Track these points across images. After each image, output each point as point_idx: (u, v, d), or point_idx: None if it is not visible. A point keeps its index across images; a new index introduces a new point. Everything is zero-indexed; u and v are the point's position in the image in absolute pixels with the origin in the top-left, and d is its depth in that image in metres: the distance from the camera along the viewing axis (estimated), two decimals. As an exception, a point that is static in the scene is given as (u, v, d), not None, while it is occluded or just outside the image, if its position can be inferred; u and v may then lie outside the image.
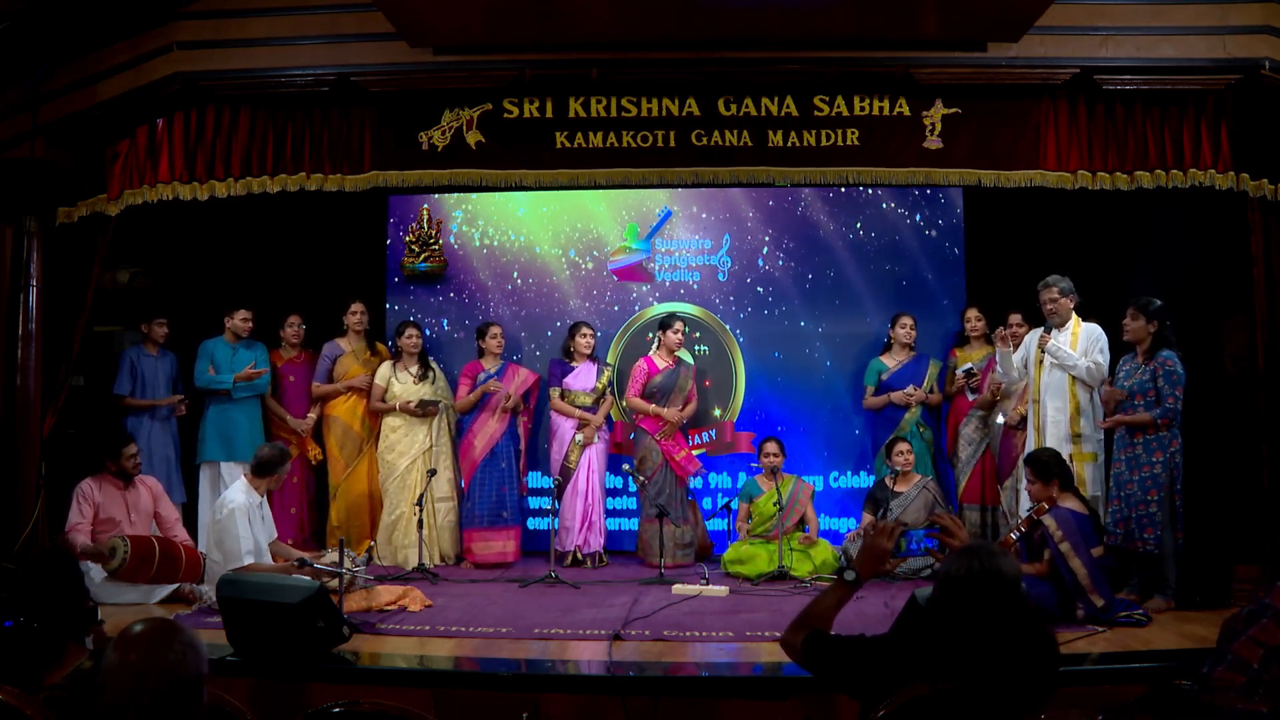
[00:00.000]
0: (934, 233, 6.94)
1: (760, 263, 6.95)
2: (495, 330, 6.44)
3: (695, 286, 6.97)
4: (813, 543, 5.91)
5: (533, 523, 6.83)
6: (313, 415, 6.47)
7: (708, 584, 5.35)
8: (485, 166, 5.68)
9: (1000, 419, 6.04)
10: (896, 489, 5.98)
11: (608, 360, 6.77)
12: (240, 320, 6.30)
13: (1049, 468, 4.78)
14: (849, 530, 6.59)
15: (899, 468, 5.98)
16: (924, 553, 5.36)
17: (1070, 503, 4.73)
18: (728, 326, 6.94)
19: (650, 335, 6.72)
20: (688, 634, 4.40)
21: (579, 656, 4.16)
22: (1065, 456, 4.97)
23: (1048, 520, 4.64)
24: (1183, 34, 5.41)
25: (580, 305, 6.95)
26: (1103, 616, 4.47)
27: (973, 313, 6.38)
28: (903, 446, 6.00)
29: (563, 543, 6.20)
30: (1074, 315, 5.29)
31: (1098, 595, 4.52)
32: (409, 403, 6.23)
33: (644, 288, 7.00)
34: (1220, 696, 2.05)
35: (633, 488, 6.65)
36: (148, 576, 4.96)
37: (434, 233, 6.83)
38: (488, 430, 6.33)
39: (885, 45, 5.50)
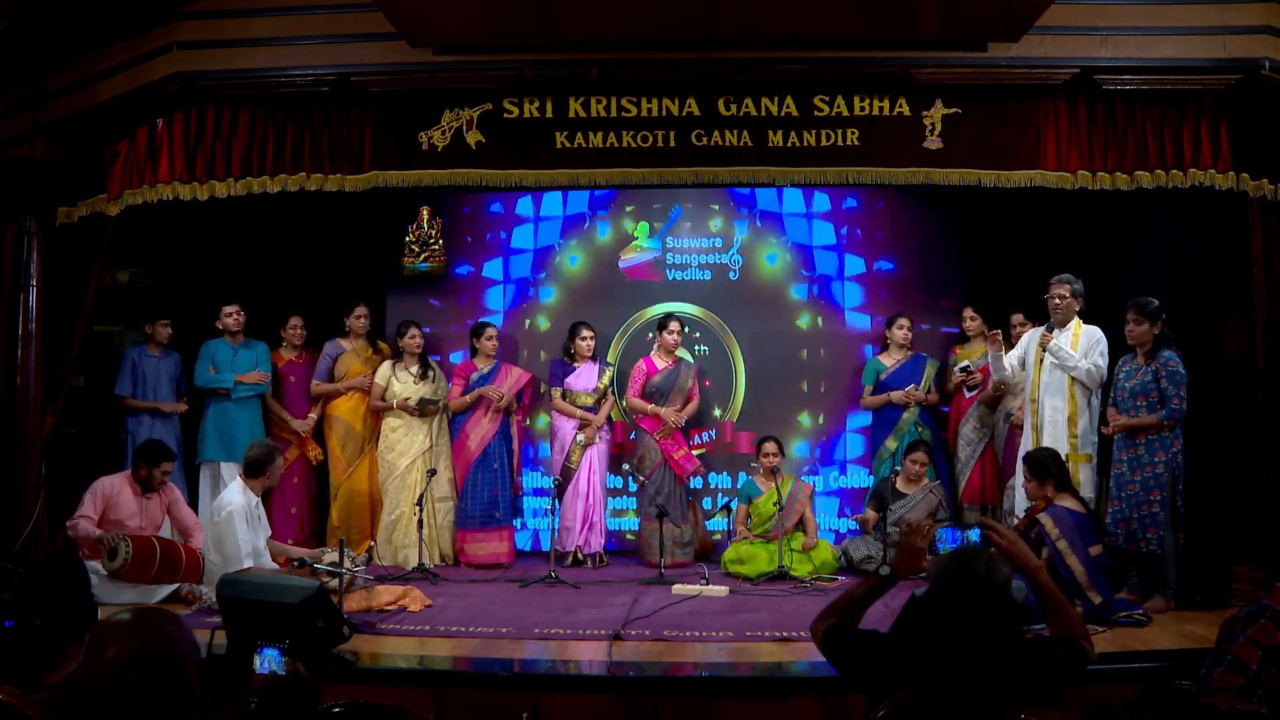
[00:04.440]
0: (934, 232, 6.96)
1: (768, 262, 6.98)
2: (491, 331, 6.44)
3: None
4: (814, 546, 5.92)
5: (531, 523, 6.84)
6: (313, 415, 6.47)
7: (708, 584, 5.35)
8: (485, 166, 5.67)
9: (1005, 418, 6.04)
10: (901, 489, 5.98)
11: (608, 360, 6.78)
12: (229, 318, 6.28)
13: (1045, 467, 4.78)
14: (848, 530, 6.60)
15: (906, 472, 5.98)
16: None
17: (1068, 502, 4.73)
18: (727, 326, 6.95)
19: (650, 335, 6.73)
20: (688, 634, 4.40)
21: (579, 656, 4.16)
22: (1062, 456, 4.97)
23: (1044, 519, 4.65)
24: (1183, 34, 5.40)
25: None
26: (1101, 615, 4.47)
27: (968, 311, 6.40)
28: (920, 455, 6.00)
29: (563, 543, 6.20)
30: (1076, 317, 5.29)
31: (1095, 593, 4.52)
32: (408, 401, 6.23)
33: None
34: (1219, 698, 2.05)
35: (633, 487, 6.65)
36: (148, 577, 4.95)
37: (434, 233, 6.83)
38: (480, 429, 6.33)
39: (885, 45, 5.50)
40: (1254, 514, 5.42)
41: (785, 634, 4.34)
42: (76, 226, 5.83)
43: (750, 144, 5.60)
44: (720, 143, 5.61)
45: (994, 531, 2.44)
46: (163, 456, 5.32)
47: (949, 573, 2.08)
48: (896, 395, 6.33)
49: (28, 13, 5.35)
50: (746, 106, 5.60)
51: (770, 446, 6.11)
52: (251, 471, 5.00)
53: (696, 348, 6.93)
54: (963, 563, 2.09)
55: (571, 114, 5.64)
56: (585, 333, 6.42)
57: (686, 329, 6.69)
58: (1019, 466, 5.16)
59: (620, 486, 6.85)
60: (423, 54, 5.54)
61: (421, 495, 5.99)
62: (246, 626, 3.79)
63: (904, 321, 6.47)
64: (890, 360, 6.49)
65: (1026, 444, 5.30)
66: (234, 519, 4.79)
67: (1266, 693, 2.05)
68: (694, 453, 6.49)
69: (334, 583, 4.50)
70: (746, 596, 5.25)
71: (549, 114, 5.65)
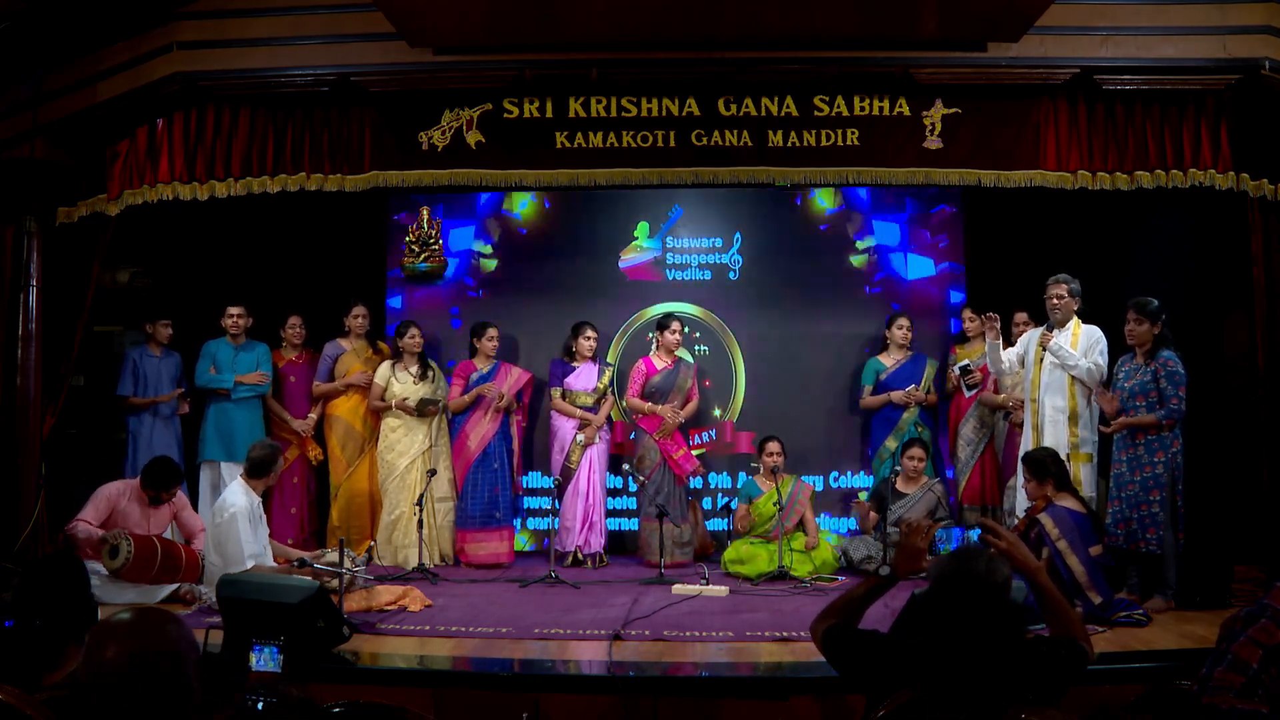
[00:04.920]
0: (934, 232, 6.96)
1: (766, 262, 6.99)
2: (492, 331, 6.43)
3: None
4: (815, 547, 5.92)
5: (531, 523, 6.84)
6: (313, 415, 6.47)
7: (708, 584, 5.35)
8: (485, 166, 5.67)
9: (1005, 417, 6.04)
10: (901, 489, 5.98)
11: (608, 360, 6.78)
12: (231, 320, 6.28)
13: (1044, 466, 4.78)
14: (848, 530, 6.60)
15: (905, 471, 5.98)
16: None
17: (1068, 502, 4.73)
18: (727, 326, 6.95)
19: (649, 335, 6.72)
20: (688, 634, 4.40)
21: (579, 656, 4.16)
22: (1062, 456, 4.97)
23: (1044, 519, 4.65)
24: (1183, 34, 5.40)
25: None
26: (1101, 615, 4.47)
27: (968, 312, 6.41)
28: (916, 451, 6.00)
29: (563, 543, 6.20)
30: (1075, 317, 5.29)
31: (1095, 593, 4.52)
32: (405, 401, 6.23)
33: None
34: (1220, 697, 2.05)
35: (633, 487, 6.65)
36: (149, 577, 4.95)
37: (434, 233, 6.84)
38: (480, 429, 6.33)
39: (885, 45, 5.50)
40: (1254, 514, 5.42)
41: (785, 634, 4.34)
42: (76, 226, 5.83)
43: (750, 144, 5.60)
44: (720, 143, 5.61)
45: (993, 532, 2.44)
46: (172, 480, 5.28)
47: (949, 573, 2.08)
48: (897, 395, 6.33)
49: (28, 13, 5.35)
50: (746, 106, 5.60)
51: (773, 446, 6.11)
52: (255, 472, 4.99)
53: (696, 348, 6.94)
54: (963, 563, 2.09)
55: (571, 114, 5.64)
56: (589, 332, 6.42)
57: (686, 329, 6.69)
58: (1019, 466, 5.16)
59: (620, 486, 6.85)
60: (423, 54, 5.54)
61: (421, 495, 5.99)
62: (246, 626, 3.79)
63: (903, 322, 6.47)
64: (890, 360, 6.49)
65: (1026, 444, 5.30)
66: (237, 520, 4.78)
67: (1267, 692, 2.05)
68: (693, 453, 6.48)
69: (334, 583, 4.50)
70: (746, 596, 5.25)
71: (549, 114, 5.65)
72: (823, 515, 6.64)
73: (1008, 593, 2.08)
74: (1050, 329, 5.34)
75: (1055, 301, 5.27)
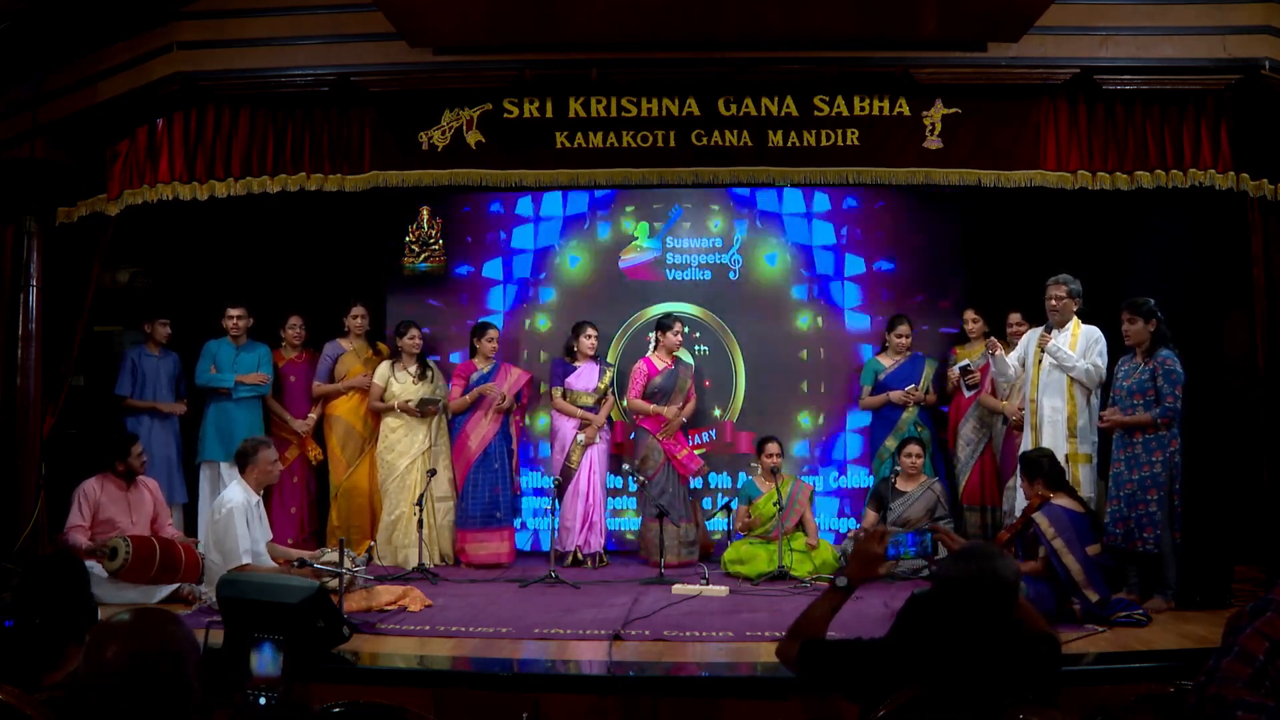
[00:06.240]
0: (934, 232, 6.96)
1: (768, 262, 6.98)
2: (492, 333, 6.43)
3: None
4: (816, 547, 5.92)
5: (531, 523, 6.84)
6: (313, 415, 6.47)
7: (708, 584, 5.35)
8: (485, 166, 5.67)
9: (1004, 420, 6.04)
10: (900, 488, 5.98)
11: (608, 360, 6.78)
12: (231, 322, 6.29)
13: (1037, 465, 4.79)
14: (849, 530, 6.60)
15: (904, 469, 5.98)
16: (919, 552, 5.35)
17: (1065, 501, 4.73)
18: (727, 326, 6.95)
19: (649, 335, 6.72)
20: (688, 634, 4.40)
21: (579, 656, 4.17)
22: (1061, 457, 4.98)
23: (1039, 518, 4.65)
24: (1183, 34, 5.40)
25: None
26: (1099, 613, 4.48)
27: (970, 313, 6.40)
28: (913, 449, 6.00)
29: (563, 543, 6.20)
30: (1075, 318, 5.29)
31: (1092, 591, 4.52)
32: (408, 402, 6.24)
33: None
34: (1227, 688, 2.04)
35: (633, 487, 6.65)
36: (148, 577, 4.95)
37: (434, 233, 6.84)
38: (481, 430, 6.33)
39: (885, 45, 5.50)
40: (1254, 514, 5.41)
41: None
42: (76, 226, 5.82)
43: (750, 144, 5.60)
44: (720, 143, 5.61)
45: (944, 535, 2.43)
46: (127, 442, 5.37)
47: (965, 573, 2.06)
48: (896, 395, 6.33)
49: (28, 13, 5.35)
50: (746, 106, 5.60)
51: (773, 447, 6.11)
52: (238, 463, 5.01)
53: (696, 348, 6.93)
54: (979, 562, 2.08)
55: (571, 114, 5.63)
56: (590, 331, 6.42)
57: (686, 329, 6.69)
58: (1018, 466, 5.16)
59: (620, 486, 6.85)
60: (423, 54, 5.54)
61: (421, 495, 5.99)
62: (246, 626, 3.78)
63: (904, 329, 6.45)
64: (889, 360, 6.49)
65: (1025, 444, 5.30)
66: (234, 515, 4.79)
67: (1274, 684, 2.04)
68: (695, 452, 6.48)
69: (334, 583, 4.50)
70: (746, 596, 5.25)
71: (549, 114, 5.65)
72: (821, 516, 6.64)
73: (1017, 589, 2.08)
74: (1049, 330, 5.34)
75: (1054, 303, 5.27)
